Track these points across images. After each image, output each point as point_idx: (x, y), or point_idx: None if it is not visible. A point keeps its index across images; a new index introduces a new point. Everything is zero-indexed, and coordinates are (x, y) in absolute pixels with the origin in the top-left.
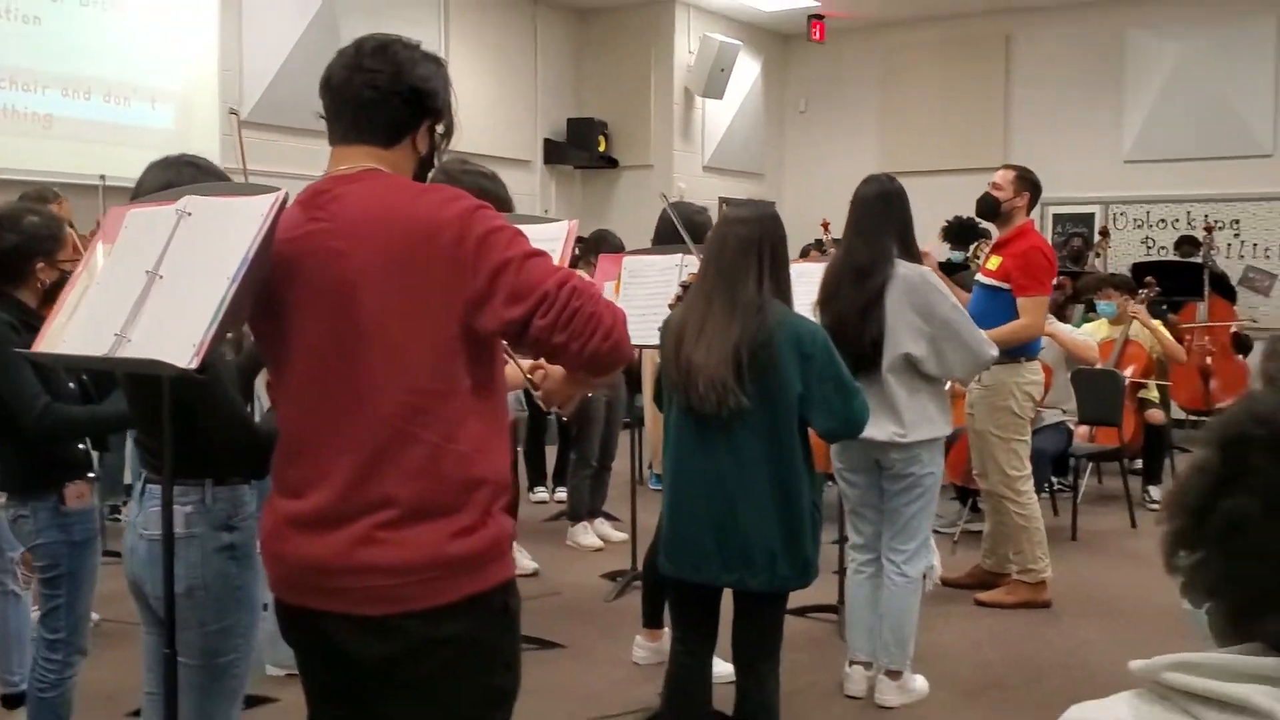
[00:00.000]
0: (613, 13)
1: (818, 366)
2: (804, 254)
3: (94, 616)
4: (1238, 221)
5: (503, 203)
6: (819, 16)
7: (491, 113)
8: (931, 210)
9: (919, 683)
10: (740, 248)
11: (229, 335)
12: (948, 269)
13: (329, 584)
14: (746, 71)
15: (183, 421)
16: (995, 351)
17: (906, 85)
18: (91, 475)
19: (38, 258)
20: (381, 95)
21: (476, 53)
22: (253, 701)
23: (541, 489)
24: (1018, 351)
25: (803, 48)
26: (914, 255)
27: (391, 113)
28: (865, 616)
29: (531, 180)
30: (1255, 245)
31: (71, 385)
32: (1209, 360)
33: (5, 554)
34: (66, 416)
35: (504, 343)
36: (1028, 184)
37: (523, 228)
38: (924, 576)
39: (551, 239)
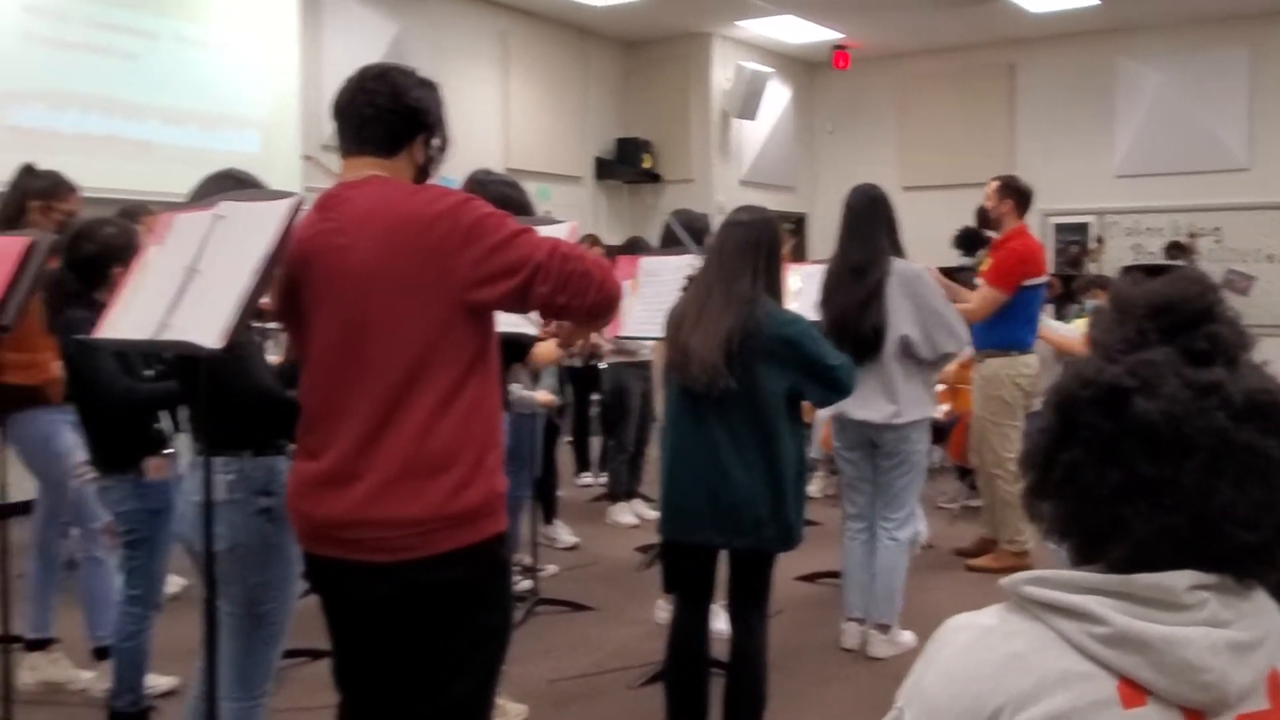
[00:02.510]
0: (656, 44)
1: (801, 350)
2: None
3: (181, 582)
4: (1219, 229)
5: (523, 206)
6: (842, 47)
7: (547, 134)
8: (944, 220)
9: (907, 637)
10: (739, 247)
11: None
12: (948, 271)
13: (343, 535)
14: (778, 96)
15: (220, 398)
16: (968, 335)
17: (921, 109)
18: (167, 451)
19: (115, 264)
20: (379, 112)
21: (534, 81)
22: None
23: (586, 474)
24: (1011, 344)
25: (830, 75)
26: (901, 251)
27: (389, 127)
28: (859, 577)
29: (583, 194)
30: (1234, 250)
31: (149, 373)
32: None
33: (91, 524)
34: (143, 395)
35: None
36: (1010, 191)
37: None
38: (911, 541)
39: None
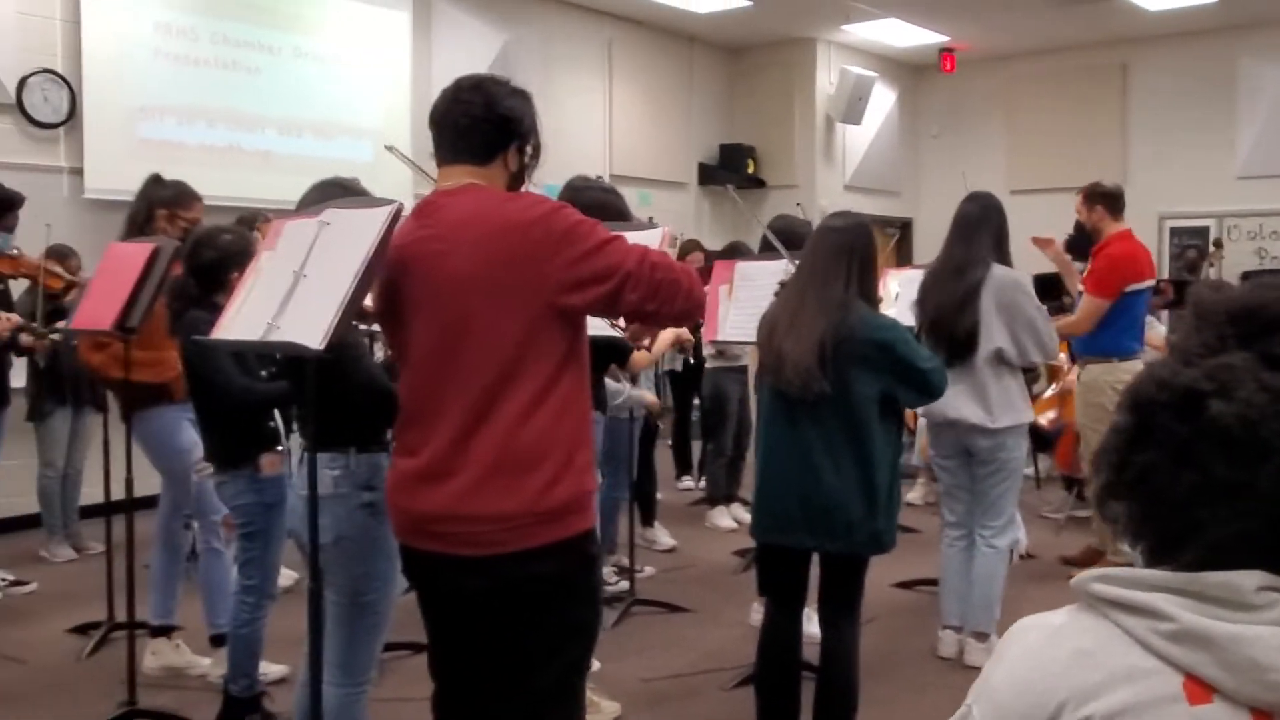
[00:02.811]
0: (761, 49)
1: (895, 354)
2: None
3: (294, 575)
4: None
5: (620, 212)
6: (949, 50)
7: (651, 140)
8: (1053, 224)
9: None
10: (833, 252)
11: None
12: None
13: (437, 529)
14: (883, 100)
15: (331, 396)
16: (1056, 349)
17: (1029, 111)
18: (280, 448)
19: (233, 269)
20: (474, 122)
21: (637, 88)
22: (395, 646)
23: (687, 478)
24: (1111, 351)
25: (935, 78)
26: (1007, 260)
27: (484, 136)
28: (957, 585)
29: (687, 199)
30: None
31: (264, 374)
32: None
33: (210, 516)
34: (259, 394)
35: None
36: (1097, 197)
37: (623, 233)
38: (1010, 549)
39: (647, 242)
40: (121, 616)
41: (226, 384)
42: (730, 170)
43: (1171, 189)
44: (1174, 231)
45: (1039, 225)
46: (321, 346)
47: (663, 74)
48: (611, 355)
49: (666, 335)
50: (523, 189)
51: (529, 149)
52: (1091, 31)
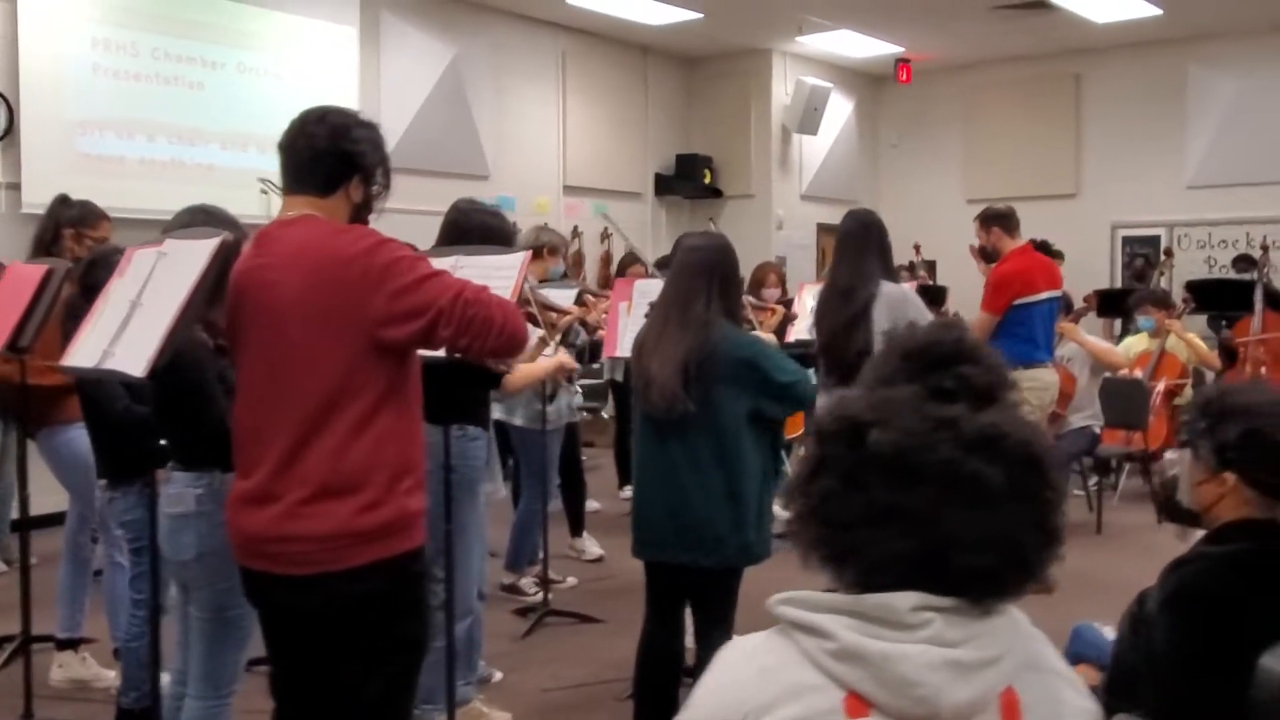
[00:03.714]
0: (717, 60)
1: (758, 371)
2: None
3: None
4: None
5: (503, 235)
6: (905, 60)
7: (606, 151)
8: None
9: None
10: (693, 272)
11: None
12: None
13: (265, 549)
14: (840, 110)
15: (184, 421)
16: None
17: (986, 121)
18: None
19: None
20: (316, 155)
21: (592, 99)
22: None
23: (629, 486)
24: (1015, 360)
25: (894, 88)
26: (893, 275)
27: (325, 168)
28: None
29: (643, 210)
30: None
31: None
32: (1262, 370)
33: (113, 530)
34: (137, 415)
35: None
36: (991, 219)
37: (482, 257)
38: None
39: (507, 267)
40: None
41: (109, 404)
42: (687, 180)
43: (1124, 198)
44: (1126, 240)
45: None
46: (145, 374)
47: (618, 85)
48: (483, 379)
49: (544, 362)
50: (371, 219)
51: (378, 180)
52: (1045, 42)
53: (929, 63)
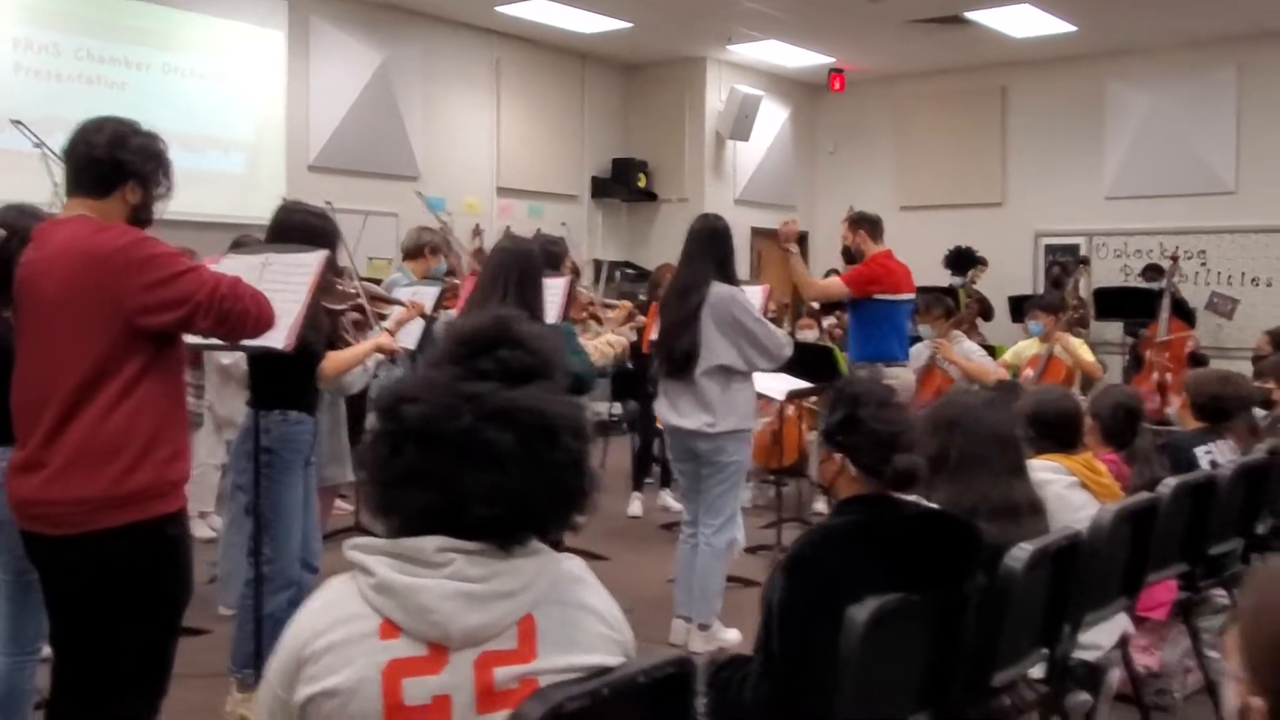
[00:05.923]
0: (654, 67)
1: None
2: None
3: None
4: (1204, 252)
5: (323, 235)
6: (838, 70)
7: (541, 154)
8: (940, 240)
9: (731, 634)
10: (494, 271)
11: None
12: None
13: (33, 512)
14: (774, 117)
15: None
16: (789, 350)
17: (918, 130)
18: None
19: None
20: (91, 161)
21: (528, 104)
22: (189, 632)
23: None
24: (876, 356)
25: (830, 97)
26: (732, 280)
27: (99, 173)
28: (687, 579)
29: (580, 212)
30: (1219, 273)
31: None
32: (1166, 376)
33: None
34: None
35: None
36: (859, 222)
37: (288, 255)
38: (728, 546)
39: (306, 264)
40: None
41: None
42: (622, 184)
43: (1046, 207)
44: (1049, 249)
45: (927, 240)
46: None
47: (556, 90)
48: (305, 360)
49: (361, 345)
50: (152, 218)
51: (160, 184)
52: (971, 56)
53: (861, 73)
